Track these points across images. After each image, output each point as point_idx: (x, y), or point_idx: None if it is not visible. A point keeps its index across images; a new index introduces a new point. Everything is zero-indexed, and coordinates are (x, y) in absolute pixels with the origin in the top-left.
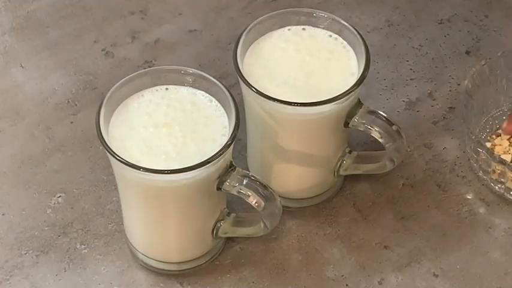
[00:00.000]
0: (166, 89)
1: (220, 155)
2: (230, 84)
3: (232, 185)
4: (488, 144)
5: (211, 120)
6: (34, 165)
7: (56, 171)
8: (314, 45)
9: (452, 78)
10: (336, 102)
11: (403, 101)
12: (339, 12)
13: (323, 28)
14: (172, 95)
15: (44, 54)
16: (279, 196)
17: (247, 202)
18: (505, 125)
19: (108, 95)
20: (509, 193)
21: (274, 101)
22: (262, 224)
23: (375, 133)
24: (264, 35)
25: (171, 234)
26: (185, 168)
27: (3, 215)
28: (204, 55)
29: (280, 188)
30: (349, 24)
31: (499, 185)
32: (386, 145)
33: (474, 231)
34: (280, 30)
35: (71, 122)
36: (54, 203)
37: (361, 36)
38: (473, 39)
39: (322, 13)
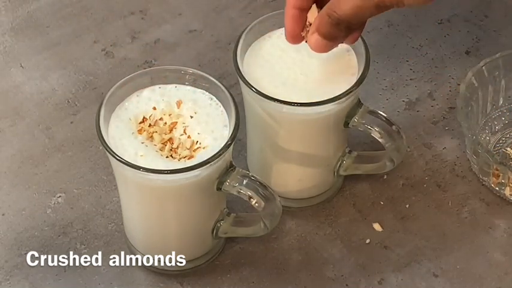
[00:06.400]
0: (166, 88)
1: (220, 155)
2: (230, 84)
3: (232, 185)
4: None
5: (212, 120)
6: (34, 165)
7: (56, 171)
8: None
9: (452, 78)
10: (336, 102)
11: (403, 101)
12: None
13: None
14: (172, 94)
15: (44, 54)
16: (279, 196)
17: (247, 202)
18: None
19: (108, 95)
20: (509, 193)
21: (274, 101)
22: (262, 224)
23: (375, 133)
24: (264, 35)
25: (171, 234)
26: (185, 168)
27: (3, 215)
28: (204, 55)
29: (280, 188)
30: None
31: (499, 186)
32: (386, 145)
33: (474, 231)
34: (280, 30)
35: (71, 122)
36: (54, 203)
37: (361, 36)
38: (473, 39)
39: None
